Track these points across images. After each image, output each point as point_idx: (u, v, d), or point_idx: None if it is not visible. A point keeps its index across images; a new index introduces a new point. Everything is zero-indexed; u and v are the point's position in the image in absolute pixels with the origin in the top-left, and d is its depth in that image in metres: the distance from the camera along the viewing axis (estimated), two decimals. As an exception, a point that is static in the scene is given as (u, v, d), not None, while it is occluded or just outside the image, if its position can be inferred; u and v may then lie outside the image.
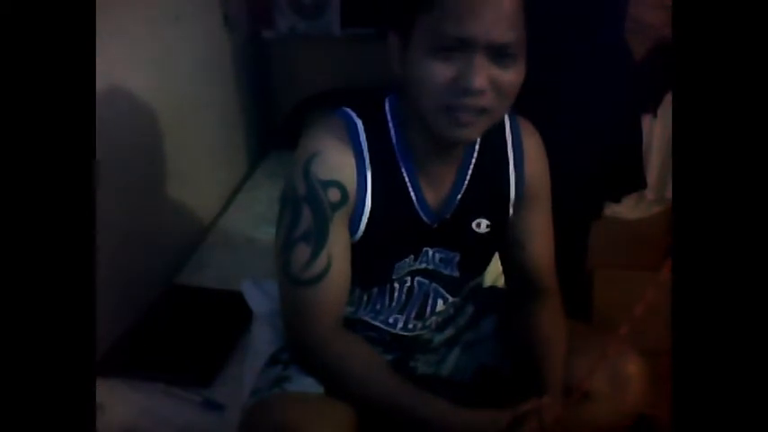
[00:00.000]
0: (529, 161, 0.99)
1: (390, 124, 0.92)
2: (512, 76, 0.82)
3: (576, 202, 1.44)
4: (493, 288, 1.21)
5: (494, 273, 1.24)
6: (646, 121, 1.69)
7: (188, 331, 1.38)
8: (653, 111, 1.77)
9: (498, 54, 0.79)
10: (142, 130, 1.51)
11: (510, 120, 0.99)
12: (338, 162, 0.88)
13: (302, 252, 0.87)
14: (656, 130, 1.93)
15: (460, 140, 0.87)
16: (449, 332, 1.09)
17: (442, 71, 0.80)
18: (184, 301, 1.49)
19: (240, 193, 2.06)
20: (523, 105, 1.05)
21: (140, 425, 1.17)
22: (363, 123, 0.91)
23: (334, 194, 0.87)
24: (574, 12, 1.31)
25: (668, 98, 1.74)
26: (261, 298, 1.26)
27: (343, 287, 0.92)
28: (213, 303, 1.46)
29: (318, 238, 0.87)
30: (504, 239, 1.03)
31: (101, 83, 1.32)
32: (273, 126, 2.29)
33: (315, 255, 0.87)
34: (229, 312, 1.39)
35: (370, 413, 0.91)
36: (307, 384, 0.94)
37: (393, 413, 0.88)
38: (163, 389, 1.23)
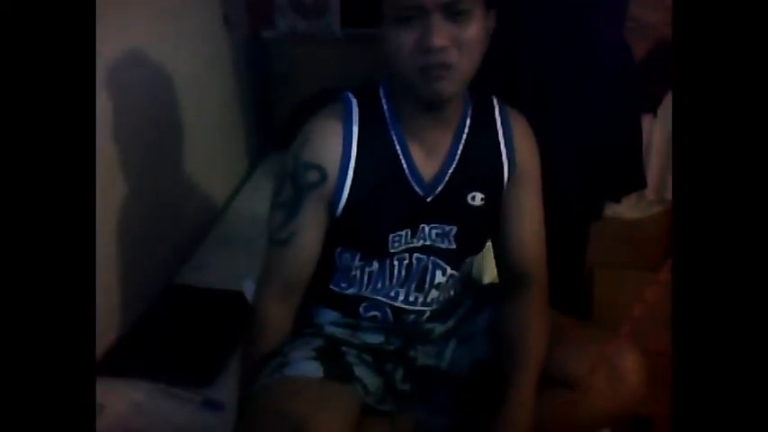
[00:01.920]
0: (518, 141, 1.04)
1: (383, 100, 1.00)
2: (471, 31, 0.89)
3: (577, 202, 1.44)
4: (492, 284, 1.22)
5: (493, 270, 1.24)
6: (646, 121, 1.69)
7: (188, 331, 1.38)
8: (653, 111, 1.76)
9: (452, 12, 0.87)
10: (142, 130, 1.51)
11: (498, 105, 1.05)
12: (323, 147, 0.98)
13: (279, 216, 1.00)
14: (656, 130, 1.93)
15: (438, 95, 0.92)
16: (449, 324, 1.10)
17: (405, 38, 0.88)
18: (184, 301, 1.49)
19: (240, 193, 2.06)
20: (524, 105, 1.05)
21: (140, 425, 1.17)
22: (358, 101, 1.00)
23: (312, 176, 0.97)
24: (574, 12, 1.31)
25: (668, 98, 1.74)
26: (261, 297, 1.26)
27: (308, 253, 1.01)
28: (213, 303, 1.46)
29: (293, 208, 0.99)
30: (498, 213, 1.06)
31: (100, 83, 1.32)
32: (273, 126, 2.29)
33: (287, 221, 1.00)
34: (229, 312, 1.39)
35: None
36: (305, 369, 0.96)
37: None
38: (163, 389, 1.23)
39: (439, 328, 1.10)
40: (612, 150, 1.43)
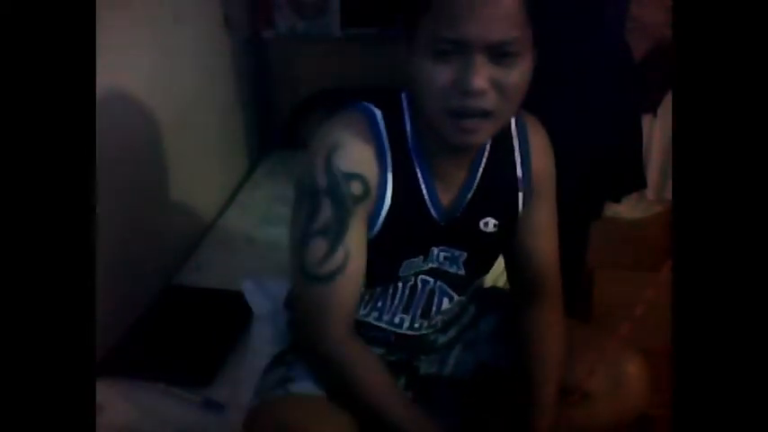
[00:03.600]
0: (535, 158, 0.98)
1: (407, 120, 0.91)
2: (515, 76, 0.80)
3: (577, 202, 1.44)
4: (493, 288, 1.21)
5: (494, 273, 1.24)
6: (646, 121, 1.69)
7: (188, 331, 1.38)
8: (653, 111, 1.76)
9: (498, 53, 0.78)
10: (142, 130, 1.51)
11: (516, 118, 0.98)
12: (361, 155, 0.86)
13: (319, 246, 0.85)
14: (656, 130, 1.93)
15: (467, 146, 0.86)
16: (452, 333, 1.09)
17: (441, 74, 0.79)
18: (184, 301, 1.49)
19: (240, 192, 2.06)
20: (523, 104, 1.05)
21: (140, 425, 1.17)
22: (383, 117, 0.90)
23: (356, 187, 0.85)
24: (574, 12, 1.31)
25: (668, 98, 1.74)
26: (262, 297, 1.26)
27: (357, 285, 0.89)
28: (213, 303, 1.46)
29: (337, 231, 0.85)
30: (512, 238, 1.02)
31: (101, 83, 1.32)
32: (273, 126, 2.29)
33: (332, 249, 0.85)
34: (229, 312, 1.38)
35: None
36: (310, 386, 0.94)
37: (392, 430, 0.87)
38: (163, 389, 1.23)
39: (442, 339, 1.08)
40: (612, 150, 1.43)
